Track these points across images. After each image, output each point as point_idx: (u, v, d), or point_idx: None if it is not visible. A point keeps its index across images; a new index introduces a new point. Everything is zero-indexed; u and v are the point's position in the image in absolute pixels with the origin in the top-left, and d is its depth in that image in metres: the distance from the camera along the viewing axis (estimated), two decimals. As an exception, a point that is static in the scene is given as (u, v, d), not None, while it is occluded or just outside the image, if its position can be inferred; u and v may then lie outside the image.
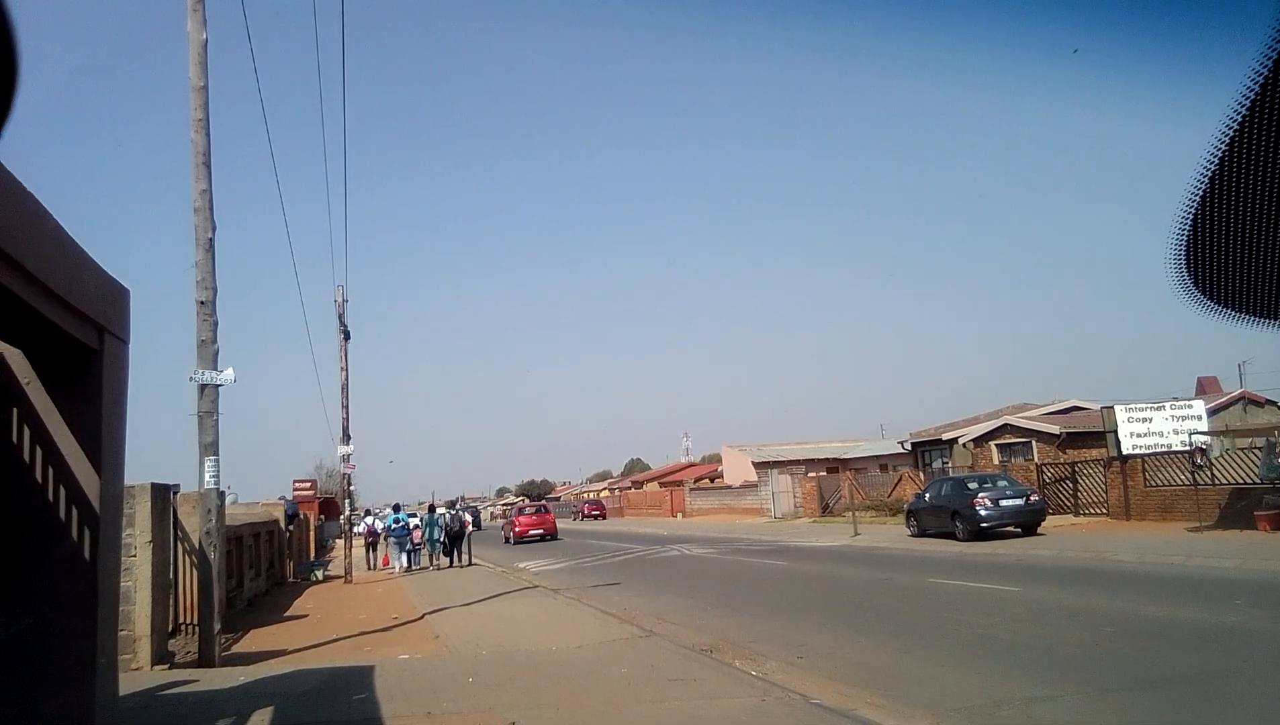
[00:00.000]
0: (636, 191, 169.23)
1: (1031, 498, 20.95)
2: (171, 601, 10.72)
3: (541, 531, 35.07)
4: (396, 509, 26.16)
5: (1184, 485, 20.13)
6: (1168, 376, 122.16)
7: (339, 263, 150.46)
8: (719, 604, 13.25)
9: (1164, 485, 21.34)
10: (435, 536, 23.41)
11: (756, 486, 46.05)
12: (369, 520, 27.43)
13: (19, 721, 4.79)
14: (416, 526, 23.94)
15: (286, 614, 15.08)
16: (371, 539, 26.19)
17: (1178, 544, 16.21)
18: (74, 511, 5.06)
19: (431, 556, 23.69)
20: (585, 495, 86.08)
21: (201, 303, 9.85)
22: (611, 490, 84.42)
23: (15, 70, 1.20)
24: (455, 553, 23.93)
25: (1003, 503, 20.33)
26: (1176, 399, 23.03)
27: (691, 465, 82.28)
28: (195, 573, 10.53)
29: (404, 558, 23.55)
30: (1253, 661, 7.52)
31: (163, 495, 10.08)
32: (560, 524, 44.26)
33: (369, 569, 24.49)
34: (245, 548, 16.14)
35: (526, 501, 55.42)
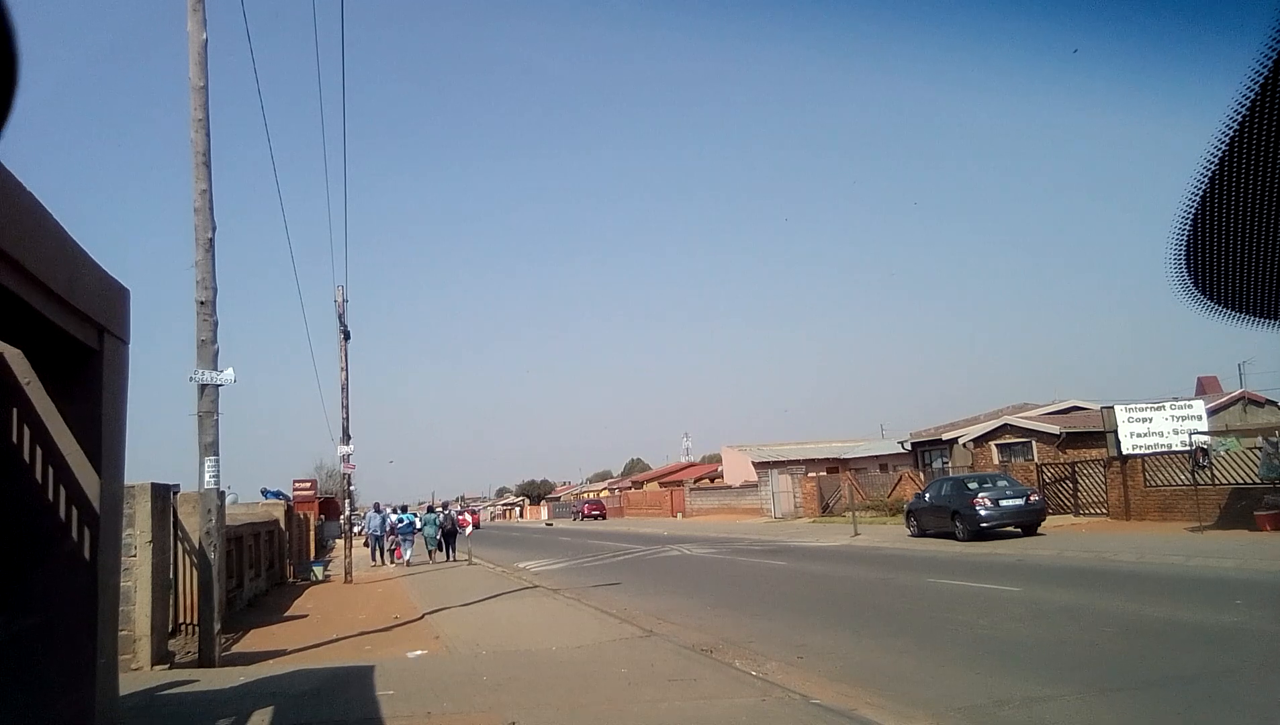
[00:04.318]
0: (637, 191, 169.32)
1: (1031, 498, 20.95)
2: (171, 601, 10.71)
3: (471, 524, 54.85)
4: (403, 509, 28.33)
5: (1184, 485, 20.14)
6: (1168, 376, 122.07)
7: (339, 263, 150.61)
8: (719, 604, 13.24)
9: (1164, 485, 21.34)
10: (432, 533, 26.28)
11: (756, 487, 46.05)
12: (377, 518, 28.62)
13: (19, 721, 4.78)
14: (418, 528, 26.60)
15: (286, 614, 15.07)
16: (378, 534, 28.02)
17: (1178, 544, 16.20)
18: (74, 511, 5.05)
19: (430, 552, 26.41)
20: (585, 495, 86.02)
21: (201, 303, 9.84)
22: (611, 490, 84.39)
23: (15, 70, 1.20)
24: (450, 549, 26.08)
25: (1003, 503, 20.33)
26: (1176, 399, 23.01)
27: (691, 465, 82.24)
28: (195, 573, 10.53)
29: (409, 552, 25.72)
30: (1253, 661, 7.51)
31: (163, 495, 10.07)
32: (560, 524, 63.04)
33: (377, 561, 26.47)
34: (245, 548, 16.13)
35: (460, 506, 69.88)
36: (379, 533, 27.06)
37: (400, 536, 25.85)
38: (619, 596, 14.77)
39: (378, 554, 27.12)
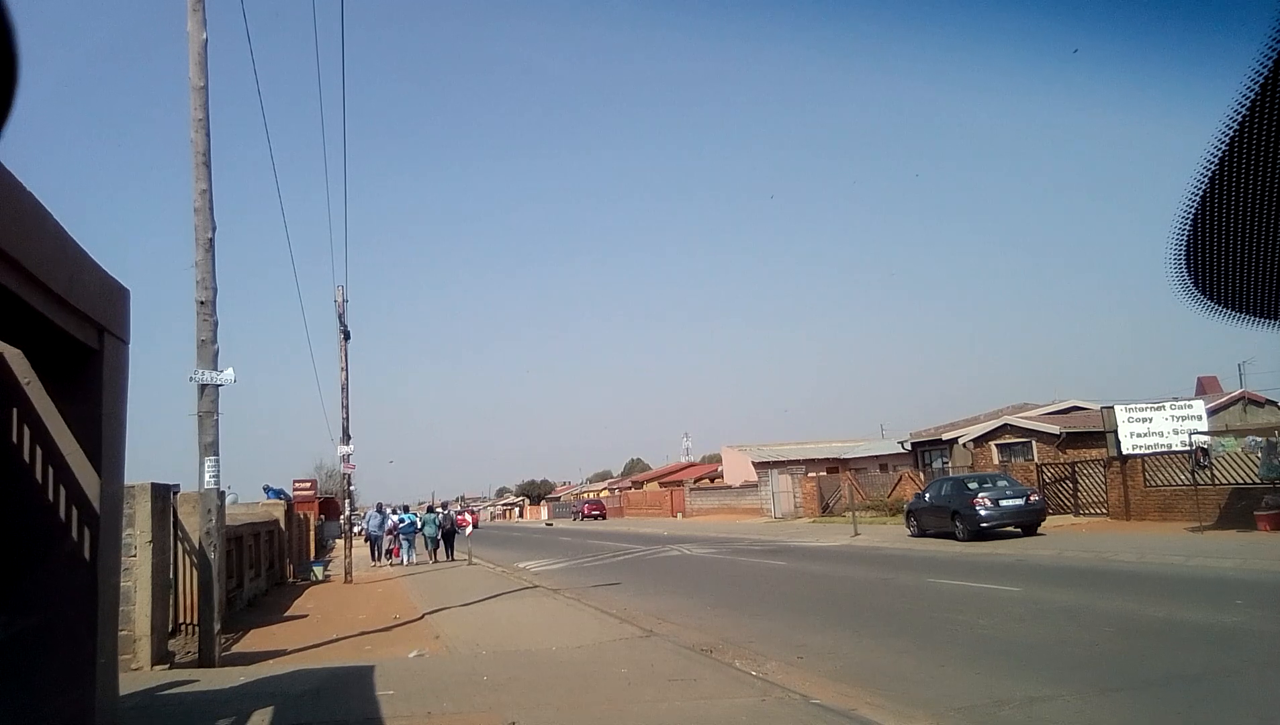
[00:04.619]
0: (637, 191, 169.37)
1: (1031, 498, 20.96)
2: (171, 601, 10.71)
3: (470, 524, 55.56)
4: (405, 509, 28.90)
5: (1184, 485, 20.14)
6: (1168, 376, 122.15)
7: (339, 263, 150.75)
8: (719, 604, 13.24)
9: (1164, 485, 21.34)
10: (432, 533, 26.34)
11: (756, 487, 46.05)
12: (377, 518, 28.49)
13: (19, 721, 4.79)
14: (419, 528, 26.69)
15: (286, 614, 15.07)
16: (376, 534, 28.07)
17: (1178, 544, 16.21)
18: (74, 512, 5.06)
19: (430, 552, 26.47)
20: (585, 495, 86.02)
21: (201, 303, 9.84)
22: (611, 490, 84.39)
23: (15, 70, 1.20)
24: (450, 549, 26.29)
25: (1003, 503, 20.33)
26: (1176, 399, 23.01)
27: (691, 465, 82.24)
28: (195, 573, 10.52)
29: (410, 551, 26.03)
30: (1253, 661, 7.51)
31: (163, 495, 10.07)
32: (560, 524, 62.66)
33: (377, 561, 26.53)
34: (245, 548, 16.12)
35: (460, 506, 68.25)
36: (377, 533, 27.00)
37: (401, 536, 26.01)
38: (619, 596, 14.77)
39: (377, 554, 27.19)
